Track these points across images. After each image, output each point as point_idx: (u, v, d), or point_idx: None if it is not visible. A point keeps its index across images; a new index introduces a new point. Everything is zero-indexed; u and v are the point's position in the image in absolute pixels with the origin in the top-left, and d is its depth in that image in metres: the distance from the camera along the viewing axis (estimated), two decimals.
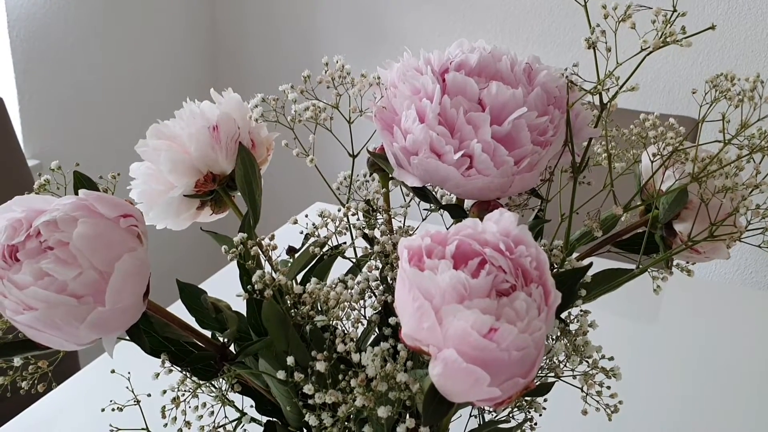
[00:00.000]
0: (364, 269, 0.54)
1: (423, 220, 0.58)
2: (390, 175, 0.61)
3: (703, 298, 1.38)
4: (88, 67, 1.95)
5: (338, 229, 0.52)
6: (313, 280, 0.50)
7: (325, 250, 0.54)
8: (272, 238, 0.50)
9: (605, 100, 0.51)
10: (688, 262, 0.66)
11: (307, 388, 0.44)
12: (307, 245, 0.58)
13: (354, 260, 0.57)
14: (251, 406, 0.57)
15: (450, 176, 0.47)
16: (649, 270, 0.63)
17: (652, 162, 0.58)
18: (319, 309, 0.49)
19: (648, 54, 0.49)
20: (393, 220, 0.58)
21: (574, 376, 0.49)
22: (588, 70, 0.53)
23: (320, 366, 0.44)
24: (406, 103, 0.48)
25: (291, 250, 0.70)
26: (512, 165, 0.47)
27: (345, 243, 0.55)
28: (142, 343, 0.42)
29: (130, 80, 2.07)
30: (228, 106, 0.68)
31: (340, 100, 0.54)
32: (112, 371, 0.51)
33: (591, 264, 0.44)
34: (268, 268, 0.52)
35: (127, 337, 0.42)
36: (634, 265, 0.63)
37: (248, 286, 0.46)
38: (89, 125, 1.98)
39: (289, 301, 0.47)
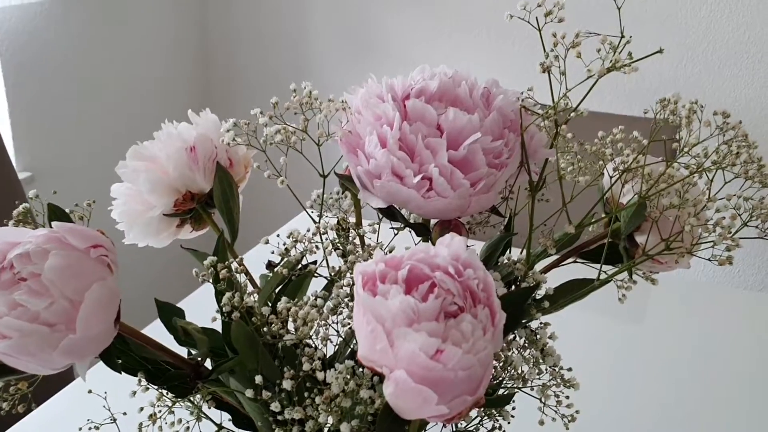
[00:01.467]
0: (335, 287, 0.56)
1: (391, 240, 0.60)
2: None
3: (690, 298, 1.41)
4: (79, 79, 1.97)
5: (307, 249, 0.54)
6: (283, 299, 0.52)
7: (297, 269, 0.57)
8: (241, 261, 0.52)
9: (559, 123, 0.53)
10: (651, 272, 0.68)
11: (274, 406, 0.46)
12: (279, 264, 0.60)
13: (328, 277, 0.60)
14: (229, 420, 0.59)
15: (411, 198, 0.49)
16: (614, 280, 0.65)
17: (610, 177, 0.61)
18: (291, 327, 0.51)
19: (596, 81, 0.51)
20: (365, 237, 0.60)
21: (532, 388, 0.52)
22: (546, 93, 0.55)
23: (287, 384, 0.46)
24: (369, 129, 0.51)
25: (270, 265, 0.73)
26: (468, 187, 0.49)
27: (315, 262, 0.57)
28: (114, 365, 0.44)
29: (120, 91, 2.09)
30: (205, 126, 0.70)
31: (310, 124, 0.56)
32: (89, 391, 0.53)
33: (537, 285, 0.46)
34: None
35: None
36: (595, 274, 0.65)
37: (219, 308, 0.49)
38: (80, 137, 2.00)
39: (257, 321, 0.49)
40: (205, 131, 0.70)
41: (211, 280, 0.50)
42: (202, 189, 0.71)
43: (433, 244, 0.52)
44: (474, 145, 0.49)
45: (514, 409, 0.63)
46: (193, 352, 0.55)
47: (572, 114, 0.51)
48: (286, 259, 0.55)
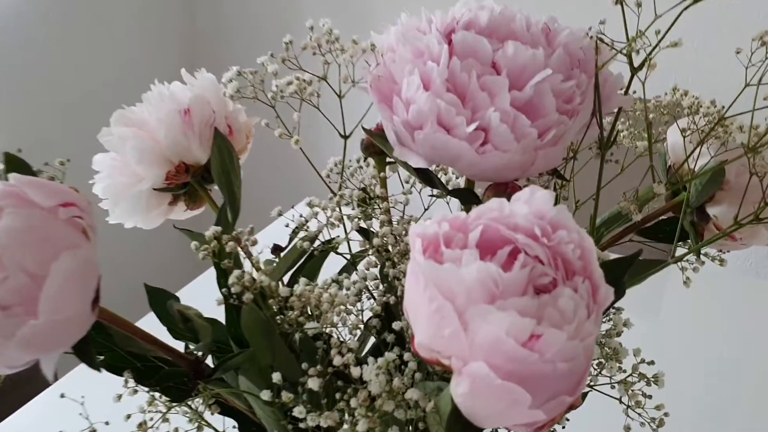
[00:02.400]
0: (361, 266, 0.47)
1: (426, 209, 0.51)
2: (387, 159, 0.54)
3: (704, 291, 1.31)
4: (51, 40, 1.85)
5: (330, 219, 0.44)
6: (302, 280, 0.43)
7: (315, 245, 0.47)
8: (251, 231, 0.42)
9: (637, 61, 0.43)
10: (721, 251, 0.59)
11: (298, 411, 0.36)
12: (294, 240, 0.50)
13: (349, 257, 0.50)
14: (234, 427, 0.50)
15: (462, 153, 0.40)
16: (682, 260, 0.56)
17: (684, 137, 0.51)
18: (310, 314, 0.42)
19: (688, 6, 0.41)
20: (392, 209, 0.50)
21: (612, 385, 0.42)
22: (612, 31, 0.45)
23: (313, 383, 0.36)
24: (408, 68, 0.41)
25: (276, 249, 0.63)
26: (535, 138, 0.39)
27: (338, 237, 0.47)
28: (92, 361, 0.34)
29: (98, 45, 1.96)
30: (201, 87, 0.61)
31: (329, 71, 0.46)
32: (62, 395, 0.43)
33: (641, 250, 0.36)
34: (249, 267, 0.45)
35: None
36: (657, 256, 0.56)
37: (224, 290, 0.39)
38: (54, 101, 1.88)
39: (274, 306, 0.39)
40: (201, 92, 0.60)
41: (213, 256, 0.40)
42: (198, 159, 0.61)
43: None
44: (542, 84, 0.39)
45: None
46: (192, 346, 0.45)
47: (658, 49, 0.41)
48: (305, 233, 0.45)
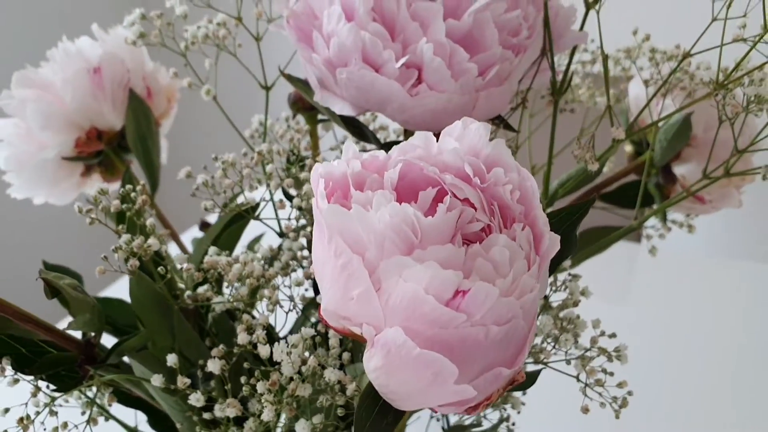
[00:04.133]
0: (286, 238, 0.41)
1: None
2: (319, 115, 0.48)
3: (675, 273, 1.27)
4: None
5: (244, 177, 0.38)
6: (212, 249, 0.37)
7: (231, 206, 0.41)
8: (144, 190, 0.36)
9: None
10: (689, 215, 0.54)
11: (195, 398, 0.30)
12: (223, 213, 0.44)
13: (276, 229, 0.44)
14: (146, 422, 0.44)
15: (392, 95, 0.34)
16: (643, 226, 0.51)
17: (647, 87, 0.46)
18: (222, 289, 0.36)
19: None
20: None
21: (568, 362, 0.37)
22: None
23: (213, 366, 0.30)
24: None
25: (204, 225, 0.57)
26: (475, 75, 0.34)
27: (258, 206, 0.41)
28: None
29: None
30: (114, 43, 0.54)
31: (243, 11, 0.40)
32: None
33: (594, 198, 0.31)
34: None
35: None
36: (619, 222, 0.51)
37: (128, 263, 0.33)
38: None
39: (180, 281, 0.34)
40: (113, 49, 0.54)
41: (99, 217, 0.34)
42: (112, 125, 0.55)
43: None
44: (482, 13, 0.34)
45: (524, 395, 0.49)
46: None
47: None
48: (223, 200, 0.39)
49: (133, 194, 0.33)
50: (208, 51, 0.44)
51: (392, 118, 0.36)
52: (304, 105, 0.47)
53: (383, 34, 0.34)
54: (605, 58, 0.36)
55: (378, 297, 0.22)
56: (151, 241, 0.31)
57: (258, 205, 0.42)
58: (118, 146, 0.56)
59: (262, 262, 0.37)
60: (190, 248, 0.58)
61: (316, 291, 0.41)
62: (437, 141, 0.26)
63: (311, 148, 0.47)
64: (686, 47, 0.45)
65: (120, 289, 0.38)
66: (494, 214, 0.24)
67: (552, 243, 0.24)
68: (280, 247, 0.42)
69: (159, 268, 0.32)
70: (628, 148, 0.55)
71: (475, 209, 0.24)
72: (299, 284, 0.37)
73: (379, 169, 0.25)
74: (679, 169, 0.50)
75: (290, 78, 0.39)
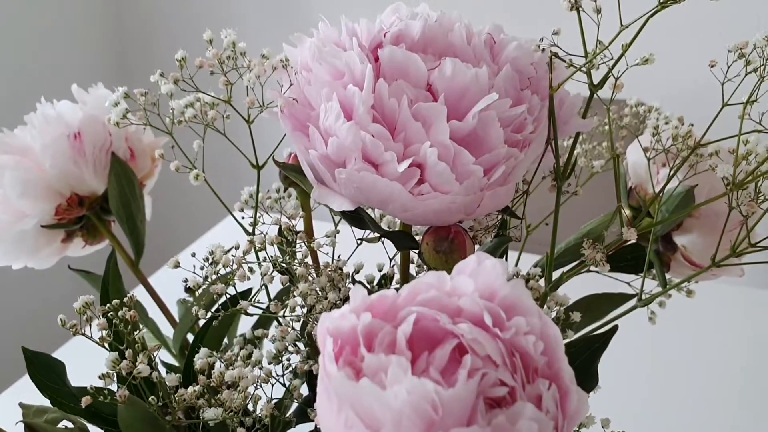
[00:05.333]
0: (274, 327, 0.39)
1: (355, 249, 0.43)
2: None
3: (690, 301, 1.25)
4: None
5: (234, 273, 0.36)
6: (203, 352, 0.35)
7: (220, 304, 0.39)
8: (132, 302, 0.34)
9: (598, 77, 0.37)
10: (690, 281, 0.53)
11: None
12: (197, 291, 0.42)
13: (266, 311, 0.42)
14: None
15: (394, 195, 0.33)
16: (644, 293, 0.50)
17: (648, 158, 0.45)
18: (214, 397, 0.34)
19: (653, 14, 0.35)
20: (318, 251, 0.43)
21: None
22: (567, 42, 0.39)
23: None
24: (326, 92, 0.33)
25: (190, 288, 0.55)
26: (481, 176, 0.32)
27: (250, 291, 0.40)
28: None
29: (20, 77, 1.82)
30: (95, 106, 0.52)
31: (233, 91, 0.39)
32: None
33: (612, 332, 0.30)
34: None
35: None
36: (620, 287, 0.50)
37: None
38: None
39: (163, 394, 0.32)
40: (94, 112, 0.52)
41: (85, 332, 0.32)
42: (93, 190, 0.53)
43: (427, 261, 0.36)
44: (487, 112, 0.32)
45: None
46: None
47: (623, 64, 0.35)
48: (202, 290, 0.37)
49: (120, 313, 0.32)
50: (195, 124, 0.42)
51: (393, 215, 0.34)
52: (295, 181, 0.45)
53: (384, 134, 0.32)
54: (615, 155, 0.35)
55: None
56: (141, 367, 0.30)
57: (250, 291, 0.40)
58: (100, 208, 0.54)
59: (259, 366, 0.35)
60: (174, 312, 0.56)
61: (311, 387, 0.39)
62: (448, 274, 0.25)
63: (304, 222, 0.45)
64: (691, 118, 0.44)
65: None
66: (516, 369, 0.22)
67: (579, 402, 0.22)
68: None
69: (151, 398, 0.30)
70: (627, 212, 0.54)
71: (497, 366, 0.22)
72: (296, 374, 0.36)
73: (389, 317, 0.23)
74: (680, 239, 0.49)
75: (285, 166, 0.38)
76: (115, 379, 0.30)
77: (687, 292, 0.53)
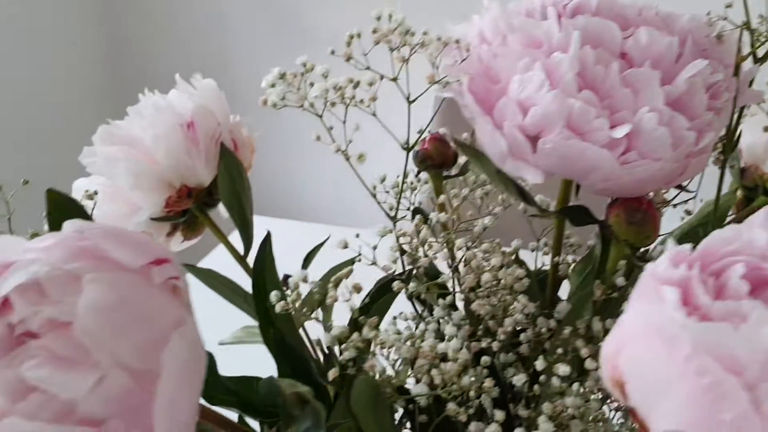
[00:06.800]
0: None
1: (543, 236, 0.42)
2: (444, 173, 0.46)
3: None
4: None
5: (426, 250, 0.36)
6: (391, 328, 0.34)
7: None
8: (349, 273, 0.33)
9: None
10: None
11: None
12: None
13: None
14: None
15: (600, 164, 0.32)
16: None
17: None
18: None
19: None
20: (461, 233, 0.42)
21: None
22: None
23: None
24: (525, 62, 0.33)
25: (286, 278, 0.54)
26: (692, 142, 0.32)
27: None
28: None
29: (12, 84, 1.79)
30: (204, 96, 0.51)
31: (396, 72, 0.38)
32: None
33: None
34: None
35: None
36: None
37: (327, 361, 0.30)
38: None
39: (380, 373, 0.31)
40: (204, 101, 0.51)
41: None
42: (202, 182, 0.52)
43: (617, 233, 0.35)
44: (695, 78, 0.32)
45: None
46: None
47: None
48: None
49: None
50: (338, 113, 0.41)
51: (591, 186, 0.34)
52: (433, 162, 0.45)
53: (594, 101, 0.32)
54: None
55: (759, 419, 0.20)
56: (379, 334, 0.29)
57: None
58: (203, 202, 0.53)
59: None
60: None
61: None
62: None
63: (447, 208, 0.45)
64: None
65: None
66: None
67: None
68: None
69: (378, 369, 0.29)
70: (739, 193, 0.54)
71: None
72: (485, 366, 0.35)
73: (704, 266, 0.23)
74: None
75: (463, 145, 0.37)
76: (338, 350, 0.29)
77: None
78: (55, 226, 0.25)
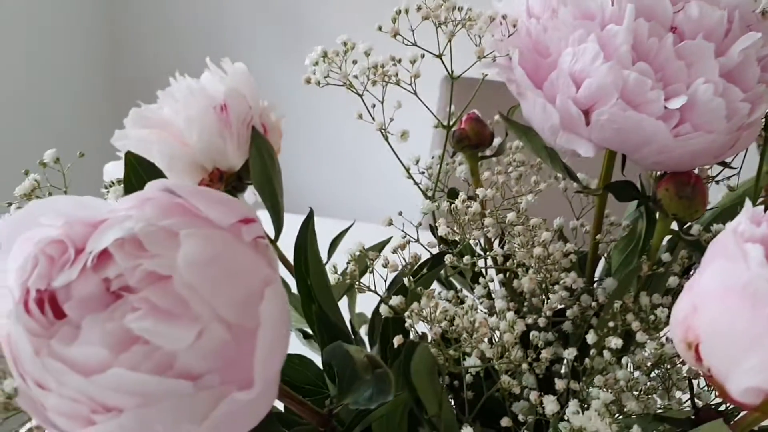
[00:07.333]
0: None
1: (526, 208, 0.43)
2: (480, 153, 0.46)
3: None
4: None
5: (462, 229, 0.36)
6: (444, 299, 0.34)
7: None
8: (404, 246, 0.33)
9: None
10: None
11: None
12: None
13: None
14: None
15: (656, 136, 0.32)
16: None
17: None
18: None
19: None
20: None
21: None
22: None
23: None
24: (579, 34, 0.33)
25: None
26: (745, 114, 0.32)
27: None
28: None
29: (12, 86, 1.78)
30: (236, 79, 0.51)
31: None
32: None
33: None
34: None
35: None
36: None
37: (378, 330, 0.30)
38: None
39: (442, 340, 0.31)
40: (236, 85, 0.50)
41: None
42: (233, 165, 0.51)
43: (666, 207, 0.35)
44: (749, 50, 0.32)
45: None
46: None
47: None
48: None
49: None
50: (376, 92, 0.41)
51: (643, 160, 0.34)
52: (470, 143, 0.45)
53: (650, 72, 0.32)
54: None
55: None
56: (442, 303, 0.29)
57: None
58: (232, 187, 0.53)
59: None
60: None
61: (525, 344, 0.39)
62: None
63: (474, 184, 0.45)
64: None
65: None
66: None
67: None
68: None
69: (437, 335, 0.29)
70: None
71: None
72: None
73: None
74: None
75: (509, 120, 0.37)
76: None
77: None
78: (131, 189, 0.25)
